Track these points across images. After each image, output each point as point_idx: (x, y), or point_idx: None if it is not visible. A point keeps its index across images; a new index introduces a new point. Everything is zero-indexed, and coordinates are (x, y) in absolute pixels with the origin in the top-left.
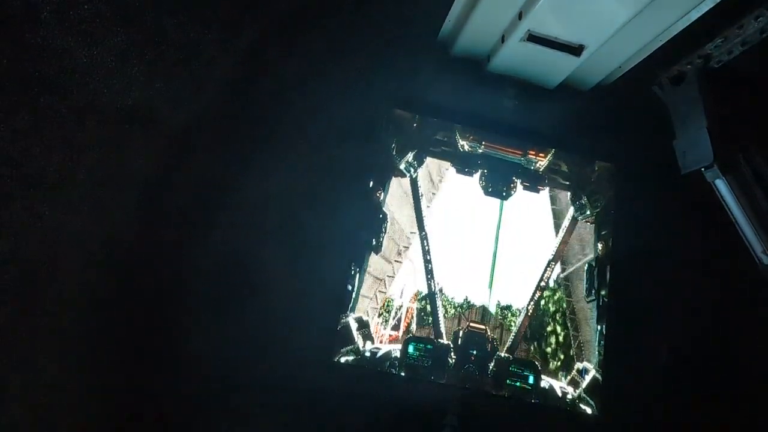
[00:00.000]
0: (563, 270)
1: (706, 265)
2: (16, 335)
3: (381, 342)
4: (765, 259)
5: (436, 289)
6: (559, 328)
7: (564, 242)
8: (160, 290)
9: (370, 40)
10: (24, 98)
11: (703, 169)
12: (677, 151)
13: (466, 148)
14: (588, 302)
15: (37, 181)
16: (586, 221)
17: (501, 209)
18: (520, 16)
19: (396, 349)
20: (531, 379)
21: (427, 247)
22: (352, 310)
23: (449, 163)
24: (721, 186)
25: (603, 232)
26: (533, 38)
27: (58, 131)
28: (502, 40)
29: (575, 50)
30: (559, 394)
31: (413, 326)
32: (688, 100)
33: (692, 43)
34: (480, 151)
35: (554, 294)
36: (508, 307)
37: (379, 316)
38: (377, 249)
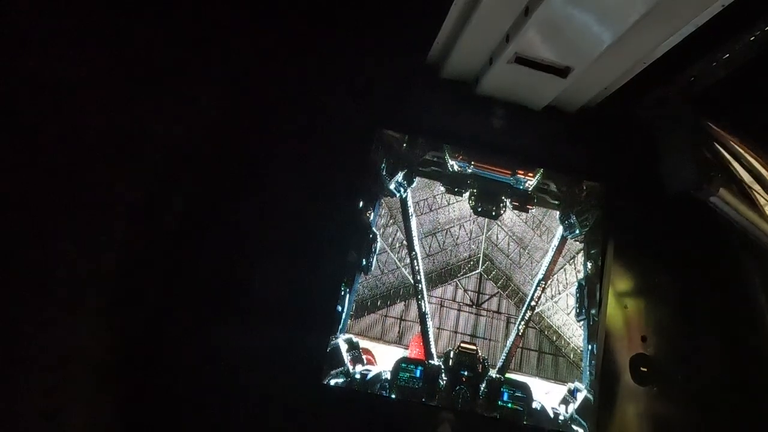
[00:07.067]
0: None
1: (696, 281)
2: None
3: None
4: None
5: (427, 310)
6: None
7: (554, 262)
8: (147, 314)
9: (360, 62)
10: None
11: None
12: (663, 173)
13: (456, 167)
14: (578, 321)
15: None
16: (575, 240)
17: None
18: (507, 38)
19: (386, 371)
20: (522, 401)
21: (417, 267)
22: (342, 331)
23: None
24: (718, 202)
25: (592, 251)
26: (520, 60)
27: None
28: (490, 62)
29: (562, 72)
30: (551, 415)
31: None
32: (672, 123)
33: (676, 66)
34: (469, 170)
35: None
36: None
37: None
38: (367, 269)
